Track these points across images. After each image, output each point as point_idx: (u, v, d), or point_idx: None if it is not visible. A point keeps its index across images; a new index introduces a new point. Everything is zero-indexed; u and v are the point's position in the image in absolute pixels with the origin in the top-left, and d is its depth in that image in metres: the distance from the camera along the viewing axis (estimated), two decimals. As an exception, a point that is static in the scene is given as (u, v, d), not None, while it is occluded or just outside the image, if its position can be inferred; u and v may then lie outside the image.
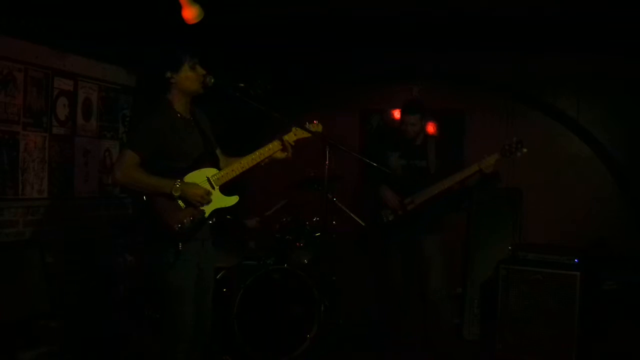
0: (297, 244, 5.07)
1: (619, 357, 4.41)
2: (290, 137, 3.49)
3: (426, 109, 4.67)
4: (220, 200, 3.32)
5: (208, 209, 3.26)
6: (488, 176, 4.37)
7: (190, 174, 3.22)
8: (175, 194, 3.12)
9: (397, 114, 6.09)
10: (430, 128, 5.69)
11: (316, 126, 3.59)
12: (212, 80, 3.30)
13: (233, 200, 3.36)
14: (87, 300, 4.77)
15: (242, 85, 3.57)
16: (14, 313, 3.94)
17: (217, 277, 4.65)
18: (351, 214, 5.13)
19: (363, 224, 5.08)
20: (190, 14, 4.25)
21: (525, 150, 4.31)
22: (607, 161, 5.36)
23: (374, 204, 4.70)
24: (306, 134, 3.53)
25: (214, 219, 3.50)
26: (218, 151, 3.48)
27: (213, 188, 3.28)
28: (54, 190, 4.78)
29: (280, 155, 3.48)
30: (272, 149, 3.44)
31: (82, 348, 4.36)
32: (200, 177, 3.26)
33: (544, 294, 4.58)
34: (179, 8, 4.25)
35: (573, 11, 4.36)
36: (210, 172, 3.30)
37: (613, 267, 4.82)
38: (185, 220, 3.16)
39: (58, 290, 4.32)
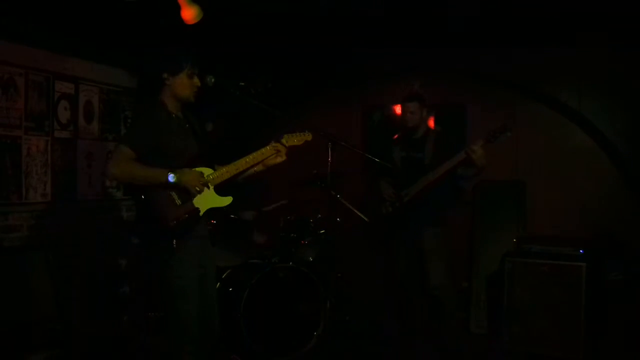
0: (302, 241, 5.07)
1: (626, 347, 4.40)
2: (284, 142, 3.56)
3: (426, 100, 4.63)
4: (215, 200, 3.36)
5: (203, 207, 3.30)
6: (478, 165, 4.20)
7: None
8: (172, 181, 3.14)
9: (398, 109, 6.12)
10: (431, 123, 5.69)
11: (306, 135, 3.68)
12: (213, 80, 3.31)
13: (227, 200, 3.41)
14: (92, 302, 4.78)
15: (242, 83, 3.59)
16: (20, 317, 3.95)
17: (223, 276, 4.66)
18: (355, 210, 5.13)
19: (367, 220, 5.07)
20: (189, 14, 4.25)
21: (509, 134, 4.17)
22: (610, 152, 5.34)
23: (376, 198, 4.71)
24: (297, 142, 3.62)
25: (214, 220, 3.52)
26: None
27: (208, 188, 3.31)
28: (58, 193, 4.79)
29: (273, 160, 3.55)
30: (264, 153, 3.52)
31: (88, 350, 4.37)
32: None
33: (550, 286, 4.57)
34: (178, 9, 4.25)
35: (574, 3, 4.35)
36: (206, 171, 3.33)
37: (618, 257, 4.81)
38: (181, 217, 3.18)
39: (63, 294, 4.32)
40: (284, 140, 3.57)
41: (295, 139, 3.62)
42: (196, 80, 3.30)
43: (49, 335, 4.06)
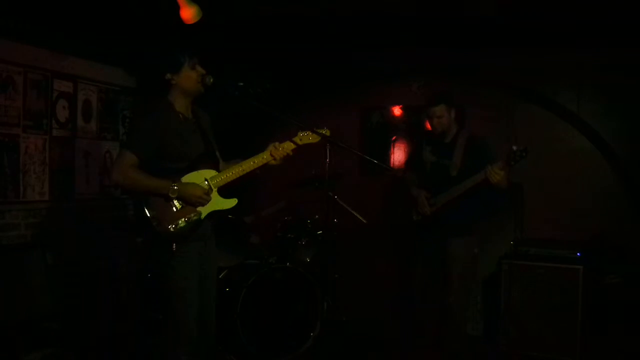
0: (299, 242, 5.07)
1: (622, 350, 4.41)
2: (297, 141, 3.43)
3: (453, 98, 4.39)
4: (219, 203, 3.29)
5: (205, 211, 3.24)
6: (497, 188, 4.03)
7: (189, 174, 3.21)
8: (172, 196, 3.11)
9: (397, 110, 6.12)
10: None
11: (324, 131, 3.50)
12: (212, 80, 3.28)
13: (231, 202, 3.33)
14: (89, 301, 4.77)
15: (241, 84, 3.57)
16: (17, 315, 3.94)
17: (220, 276, 4.65)
18: (352, 211, 5.13)
19: (365, 221, 5.07)
20: (189, 14, 4.24)
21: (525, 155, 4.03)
22: (608, 154, 5.35)
23: (406, 202, 4.55)
24: (313, 139, 3.46)
25: (214, 219, 3.44)
26: (217, 154, 3.46)
27: (211, 190, 3.26)
28: (55, 192, 4.78)
29: (273, 162, 3.39)
30: (268, 157, 3.37)
31: (85, 349, 4.37)
32: (199, 178, 3.25)
33: (547, 289, 4.58)
34: (177, 8, 4.25)
35: (572, 5, 4.35)
36: (209, 173, 3.28)
37: (615, 260, 4.82)
38: (179, 222, 3.16)
39: (60, 292, 4.32)
40: (297, 139, 3.43)
41: (310, 137, 3.44)
42: (199, 69, 3.25)
43: (46, 334, 4.06)
